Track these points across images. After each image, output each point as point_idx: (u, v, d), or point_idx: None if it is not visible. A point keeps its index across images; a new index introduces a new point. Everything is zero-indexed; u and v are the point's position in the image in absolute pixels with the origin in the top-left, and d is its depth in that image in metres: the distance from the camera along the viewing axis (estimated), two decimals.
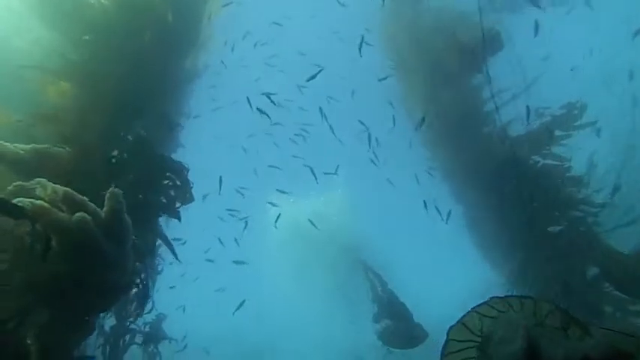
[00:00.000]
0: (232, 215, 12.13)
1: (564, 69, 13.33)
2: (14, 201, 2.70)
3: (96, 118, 4.85)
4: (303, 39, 14.89)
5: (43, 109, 4.64)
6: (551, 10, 8.43)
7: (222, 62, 9.14)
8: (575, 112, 7.71)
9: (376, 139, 11.72)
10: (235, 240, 11.91)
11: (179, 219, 4.75)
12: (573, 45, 13.93)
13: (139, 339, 5.17)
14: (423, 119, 8.57)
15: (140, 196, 4.54)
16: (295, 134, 13.38)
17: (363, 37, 8.92)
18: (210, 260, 11.78)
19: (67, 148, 4.20)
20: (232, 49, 11.22)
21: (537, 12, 8.41)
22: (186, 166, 5.22)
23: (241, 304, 10.11)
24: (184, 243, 6.60)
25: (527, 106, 8.43)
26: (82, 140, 4.44)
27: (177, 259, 4.76)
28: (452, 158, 10.64)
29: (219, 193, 10.43)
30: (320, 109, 8.84)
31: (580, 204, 7.47)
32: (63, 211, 2.82)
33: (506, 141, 9.21)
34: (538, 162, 8.43)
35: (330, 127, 8.70)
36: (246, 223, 12.02)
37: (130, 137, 5.23)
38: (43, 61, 4.87)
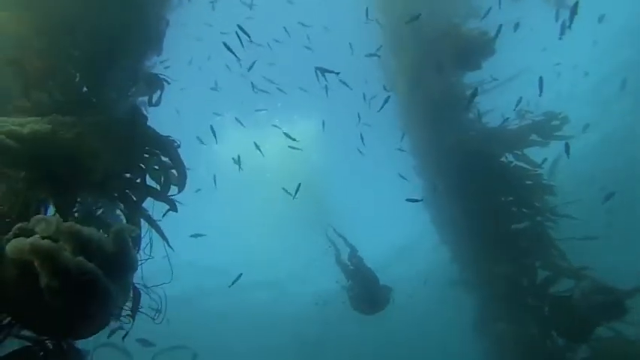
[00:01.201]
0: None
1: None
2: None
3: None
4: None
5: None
6: None
7: None
8: (556, 122, 7.92)
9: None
10: None
11: (175, 208, 4.36)
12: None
13: None
14: (387, 100, 8.49)
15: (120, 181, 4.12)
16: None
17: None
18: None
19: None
20: None
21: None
22: (176, 140, 4.77)
23: (238, 278, 9.97)
24: None
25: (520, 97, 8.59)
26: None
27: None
28: (425, 139, 10.76)
29: None
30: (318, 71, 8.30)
31: (543, 210, 7.88)
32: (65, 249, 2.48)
33: (481, 130, 9.48)
34: (510, 162, 8.70)
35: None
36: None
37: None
38: None
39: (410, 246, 20.86)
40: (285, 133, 11.47)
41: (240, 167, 11.09)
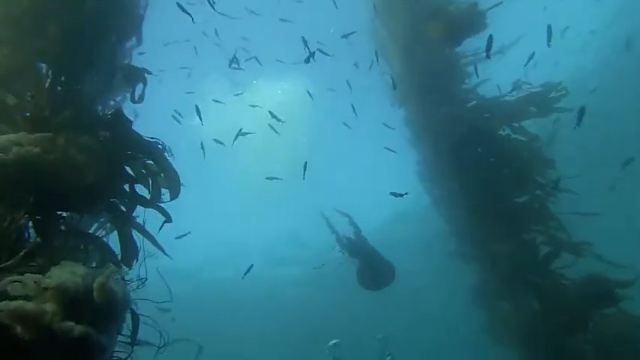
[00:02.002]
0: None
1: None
2: None
3: None
4: None
5: None
6: None
7: None
8: (554, 94, 7.68)
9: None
10: None
11: (169, 219, 4.09)
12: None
13: None
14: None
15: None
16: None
17: None
18: None
19: None
20: None
21: None
22: (161, 143, 4.45)
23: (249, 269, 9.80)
24: None
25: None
26: None
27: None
28: (419, 112, 10.50)
29: None
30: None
31: (543, 184, 7.77)
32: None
33: (477, 102, 9.24)
34: (508, 135, 8.52)
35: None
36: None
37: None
38: None
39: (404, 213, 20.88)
40: (270, 112, 10.98)
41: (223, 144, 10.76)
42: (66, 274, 2.60)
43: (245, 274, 9.66)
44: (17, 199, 2.97)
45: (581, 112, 6.36)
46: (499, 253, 8.09)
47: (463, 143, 9.17)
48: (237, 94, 12.27)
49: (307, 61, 8.44)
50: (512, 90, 8.51)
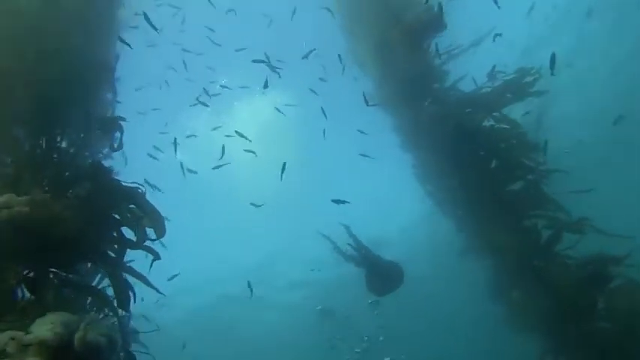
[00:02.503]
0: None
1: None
2: None
3: None
4: None
5: None
6: None
7: None
8: (529, 78, 7.79)
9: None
10: None
11: (158, 257, 4.21)
12: None
13: None
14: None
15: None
16: None
17: None
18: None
19: None
20: None
21: None
22: (140, 187, 4.58)
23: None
24: None
25: None
26: None
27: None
28: (403, 114, 10.63)
29: None
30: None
31: (533, 168, 7.80)
32: None
33: (457, 97, 9.36)
34: (492, 125, 8.59)
35: None
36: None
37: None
38: None
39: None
40: (237, 132, 11.03)
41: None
42: (47, 326, 2.70)
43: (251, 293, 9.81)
44: (9, 257, 3.10)
45: (553, 58, 6.58)
46: (504, 244, 8.06)
47: (451, 142, 9.25)
48: (215, 128, 12.46)
49: (265, 86, 8.85)
50: (488, 80, 8.62)
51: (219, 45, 11.82)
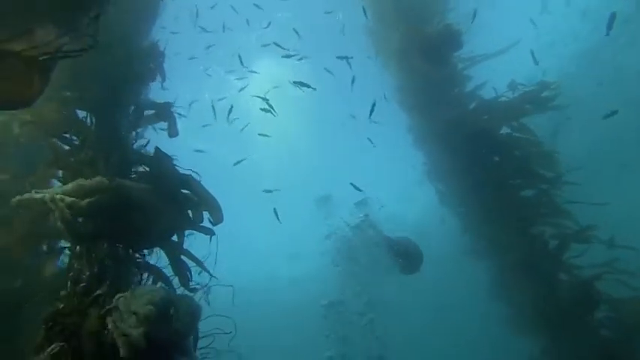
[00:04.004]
0: None
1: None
2: None
3: None
4: None
5: None
6: None
7: None
8: (549, 92, 8.16)
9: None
10: None
11: (213, 232, 4.53)
12: None
13: None
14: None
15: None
16: None
17: None
18: None
19: None
20: None
21: None
22: (195, 174, 4.90)
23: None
24: None
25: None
26: None
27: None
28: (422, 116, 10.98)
29: None
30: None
31: (548, 178, 8.21)
32: None
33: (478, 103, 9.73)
34: (510, 133, 8.97)
35: None
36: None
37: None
38: None
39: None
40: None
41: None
42: (147, 296, 3.09)
43: None
44: (94, 237, 3.44)
45: (612, 17, 6.91)
46: (510, 247, 8.52)
47: (466, 145, 9.63)
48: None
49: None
50: (508, 90, 8.98)
51: None
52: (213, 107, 10.54)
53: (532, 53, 7.38)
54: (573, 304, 7.28)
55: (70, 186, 3.41)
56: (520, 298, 8.17)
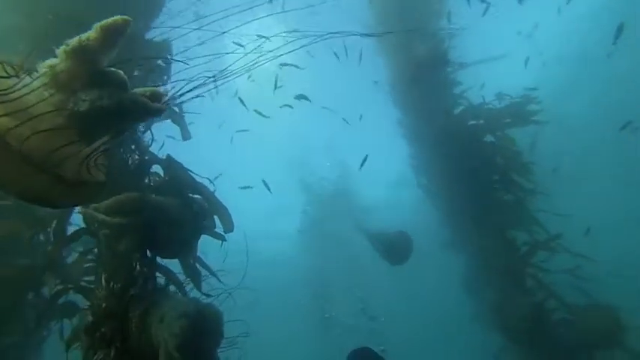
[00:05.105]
0: None
1: None
2: None
3: None
4: None
5: None
6: None
7: None
8: (530, 105, 8.72)
9: None
10: None
11: (224, 239, 4.88)
12: None
13: None
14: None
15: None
16: None
17: None
18: None
19: None
20: None
21: None
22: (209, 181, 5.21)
23: None
24: None
25: None
26: None
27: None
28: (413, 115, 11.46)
29: None
30: None
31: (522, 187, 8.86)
32: None
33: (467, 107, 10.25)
34: (493, 141, 9.53)
35: None
36: None
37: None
38: None
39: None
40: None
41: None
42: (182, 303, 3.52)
43: None
44: (132, 243, 3.79)
45: (620, 28, 7.34)
46: (485, 248, 9.23)
47: (451, 146, 10.18)
48: None
49: None
50: (495, 99, 9.50)
51: None
52: None
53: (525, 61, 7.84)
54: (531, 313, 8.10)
55: (108, 202, 3.73)
56: (488, 296, 8.94)
